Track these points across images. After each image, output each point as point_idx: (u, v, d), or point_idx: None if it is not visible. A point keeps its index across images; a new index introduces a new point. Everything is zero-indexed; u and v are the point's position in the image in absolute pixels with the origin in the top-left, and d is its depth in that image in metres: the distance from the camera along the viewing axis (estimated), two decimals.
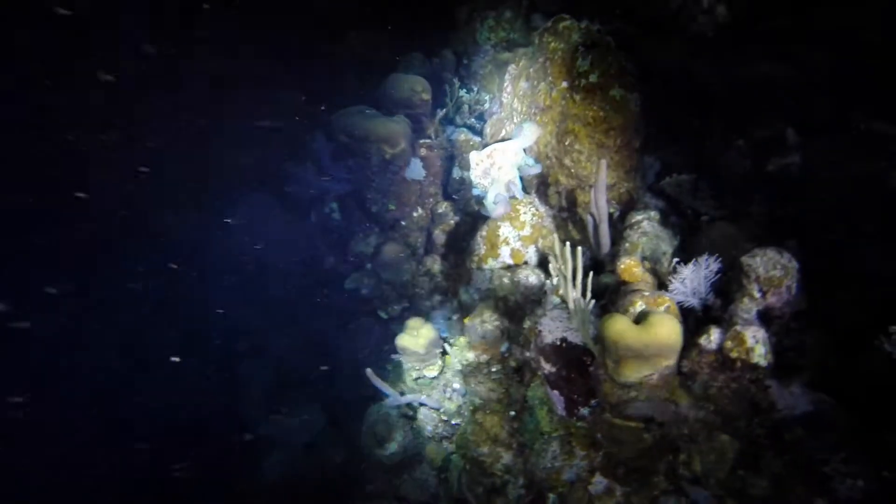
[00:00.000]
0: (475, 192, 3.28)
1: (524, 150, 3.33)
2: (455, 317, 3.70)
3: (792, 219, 2.95)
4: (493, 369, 2.68)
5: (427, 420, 3.79)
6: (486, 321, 2.62)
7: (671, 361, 1.76)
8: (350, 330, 4.40)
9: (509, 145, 3.26)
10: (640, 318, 1.74)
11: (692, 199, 3.36)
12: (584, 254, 2.80)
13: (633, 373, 1.76)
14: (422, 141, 3.86)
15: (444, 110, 4.02)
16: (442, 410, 3.61)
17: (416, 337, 3.43)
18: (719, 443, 2.06)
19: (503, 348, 2.71)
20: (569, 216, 3.36)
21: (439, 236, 4.10)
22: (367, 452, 4.24)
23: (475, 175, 3.26)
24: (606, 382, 1.85)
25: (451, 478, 3.60)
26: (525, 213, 3.34)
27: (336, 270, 4.29)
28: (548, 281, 3.00)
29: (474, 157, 3.24)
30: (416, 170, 3.64)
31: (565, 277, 2.03)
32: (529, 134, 3.29)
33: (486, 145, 4.01)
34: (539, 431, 2.44)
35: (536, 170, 3.23)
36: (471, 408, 2.75)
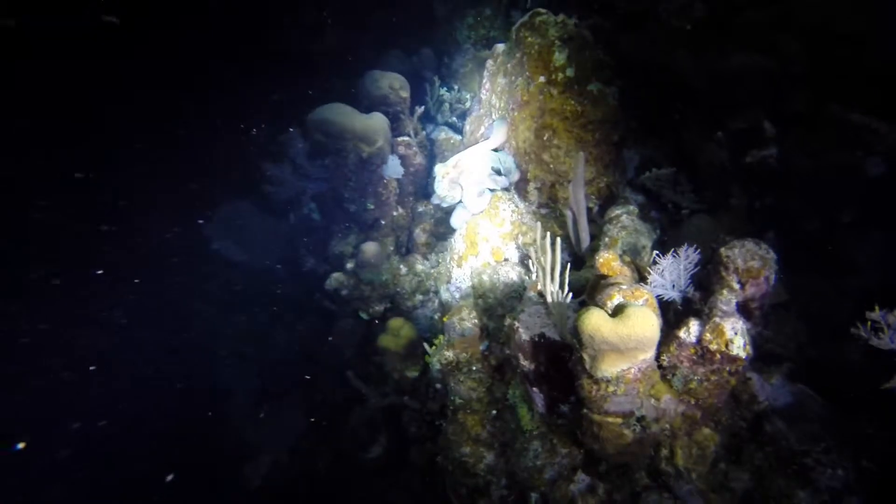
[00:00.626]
0: (435, 201, 3.21)
1: (497, 148, 3.29)
2: (437, 316, 3.65)
3: (770, 210, 2.95)
4: (474, 368, 2.63)
5: (410, 422, 3.73)
6: (465, 318, 2.57)
7: (649, 355, 1.72)
8: (332, 332, 4.33)
9: (476, 150, 3.22)
10: (617, 312, 1.71)
11: (672, 192, 3.34)
12: (563, 248, 2.78)
13: (610, 367, 1.72)
14: (400, 139, 3.81)
15: (423, 108, 3.97)
16: (426, 411, 3.56)
17: (397, 337, 3.37)
18: (701, 436, 2.04)
19: (483, 346, 2.66)
20: (549, 212, 3.32)
21: (420, 235, 4.05)
22: (352, 456, 4.18)
23: (441, 188, 3.18)
24: (585, 378, 1.81)
25: (436, 479, 3.55)
26: (504, 209, 3.30)
27: (316, 272, 4.22)
28: (527, 278, 2.96)
29: (439, 169, 3.18)
30: (394, 168, 3.58)
31: (544, 270, 1.99)
32: (499, 134, 3.25)
33: (464, 145, 3.98)
34: (520, 430, 2.40)
35: (507, 181, 3.19)
36: (451, 408, 2.70)
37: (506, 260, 3.14)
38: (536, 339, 2.15)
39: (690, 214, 3.19)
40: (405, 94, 3.96)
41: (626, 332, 1.65)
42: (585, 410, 1.91)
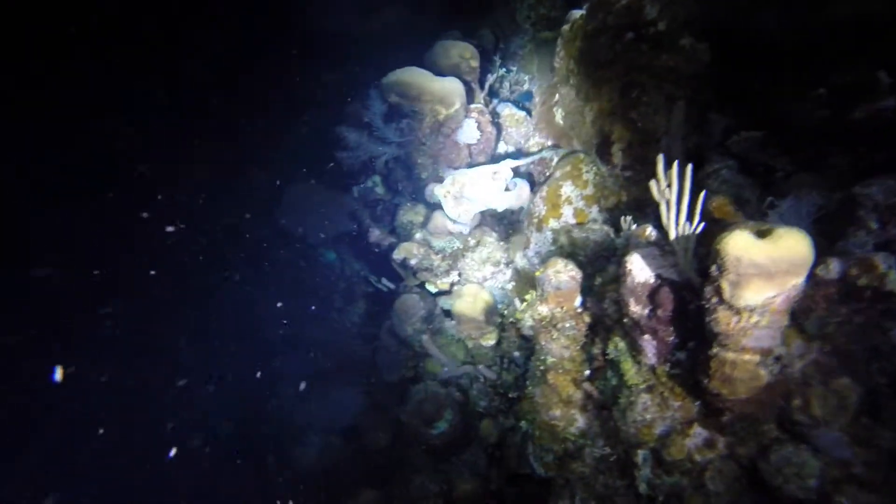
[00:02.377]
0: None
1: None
2: (510, 286, 3.54)
3: (881, 167, 2.77)
4: (567, 325, 2.51)
5: (481, 394, 3.62)
6: (561, 271, 2.45)
7: (799, 280, 1.58)
8: (394, 308, 4.26)
9: (478, 171, 3.26)
10: (763, 235, 1.57)
11: (763, 155, 3.17)
12: (652, 214, 2.66)
13: (755, 294, 1.58)
14: (473, 105, 3.73)
15: (494, 76, 3.89)
16: (499, 383, 3.44)
17: (474, 302, 3.28)
18: (838, 385, 1.87)
19: (577, 302, 2.54)
20: (633, 175, 3.19)
21: None
22: (414, 433, 4.07)
23: (448, 208, 3.36)
24: (721, 310, 1.68)
25: (509, 454, 3.42)
26: (587, 171, 3.19)
27: (380, 245, 4.17)
28: (617, 239, 2.83)
29: (439, 190, 3.31)
30: (469, 132, 3.51)
31: (668, 202, 1.87)
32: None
33: (533, 117, 3.90)
34: (624, 385, 2.26)
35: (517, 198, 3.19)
36: (541, 368, 2.58)
37: (593, 221, 3.03)
38: (652, 280, 2.02)
39: (786, 176, 3.02)
40: (475, 63, 3.89)
41: (778, 254, 1.52)
42: (716, 349, 1.77)
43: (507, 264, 3.78)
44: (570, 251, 2.78)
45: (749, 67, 3.24)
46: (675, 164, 1.85)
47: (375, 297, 5.51)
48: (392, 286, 4.87)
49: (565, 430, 2.61)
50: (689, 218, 1.83)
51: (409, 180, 3.80)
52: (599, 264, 2.76)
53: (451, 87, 3.39)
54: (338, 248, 6.23)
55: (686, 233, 1.82)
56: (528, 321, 2.56)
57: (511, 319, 3.50)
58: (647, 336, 2.10)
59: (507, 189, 3.37)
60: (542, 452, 2.74)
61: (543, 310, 2.52)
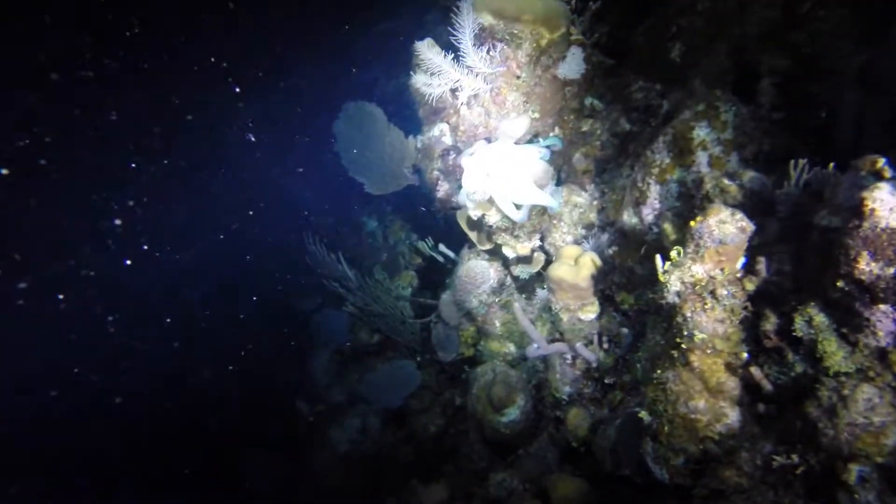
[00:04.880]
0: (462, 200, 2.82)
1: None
2: (612, 250, 2.95)
3: None
4: (724, 292, 1.92)
5: (566, 378, 3.05)
6: (727, 221, 1.86)
7: None
8: (457, 276, 3.71)
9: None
10: None
11: None
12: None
13: None
14: (574, 36, 3.12)
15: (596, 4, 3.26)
16: (595, 365, 2.87)
17: (576, 267, 2.70)
18: None
19: (740, 264, 1.95)
20: (785, 117, 2.58)
21: (580, 161, 3.36)
22: (479, 420, 3.54)
23: (470, 183, 2.78)
24: None
25: (601, 452, 2.86)
26: (726, 111, 2.57)
27: (448, 202, 3.60)
28: (783, 189, 2.22)
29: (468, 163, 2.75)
30: (573, 65, 2.90)
31: None
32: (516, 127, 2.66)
33: None
34: (824, 374, 1.68)
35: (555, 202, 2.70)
36: (683, 347, 2.00)
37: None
38: None
39: None
40: None
41: None
42: None
43: (601, 227, 3.19)
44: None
45: None
46: None
47: (427, 269, 4.99)
48: (451, 254, 4.32)
49: (709, 427, 2.03)
50: None
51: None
52: (758, 221, 2.16)
53: (557, 6, 2.79)
54: (383, 210, 5.68)
55: None
56: (673, 285, 1.98)
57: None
58: (882, 307, 1.51)
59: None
60: (670, 453, 2.17)
61: (698, 270, 1.94)
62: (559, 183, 3.39)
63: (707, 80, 2.72)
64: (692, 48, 2.94)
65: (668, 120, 2.90)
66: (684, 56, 3.01)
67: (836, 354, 1.65)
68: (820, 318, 1.70)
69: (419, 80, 2.89)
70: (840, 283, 1.60)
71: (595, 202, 3.27)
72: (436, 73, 2.82)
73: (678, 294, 2.00)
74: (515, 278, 3.54)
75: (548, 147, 2.81)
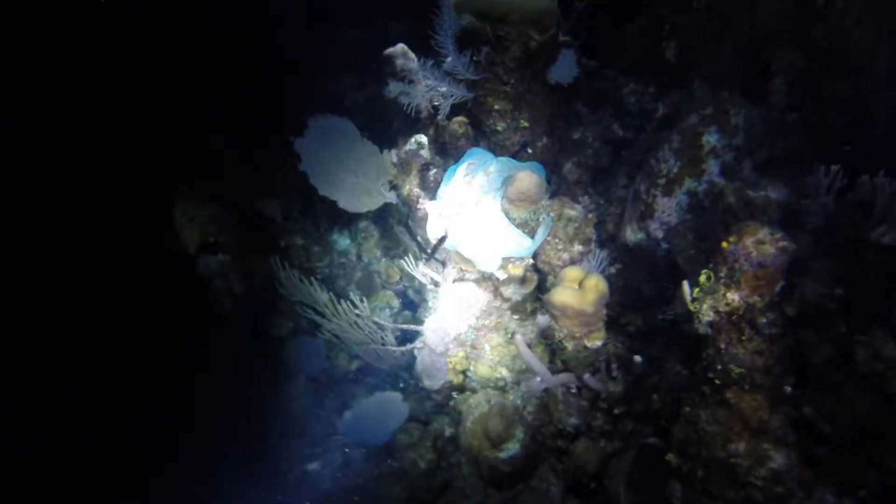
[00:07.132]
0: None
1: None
2: (614, 268, 2.73)
3: None
4: (763, 320, 1.71)
5: (570, 409, 2.81)
6: (765, 241, 1.65)
7: None
8: (446, 295, 3.42)
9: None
10: None
11: None
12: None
13: None
14: (563, 38, 2.89)
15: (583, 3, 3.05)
16: (604, 395, 2.63)
17: (581, 291, 2.46)
18: None
19: (778, 287, 1.74)
20: (799, 117, 2.40)
21: (571, 171, 3.14)
22: (475, 456, 3.25)
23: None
24: None
25: (615, 490, 2.62)
26: (736, 114, 2.39)
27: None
28: (805, 201, 2.03)
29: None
30: (566, 68, 2.67)
31: None
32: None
33: None
34: None
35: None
36: (716, 382, 1.77)
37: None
38: None
39: None
40: None
41: None
42: None
43: (600, 243, 2.97)
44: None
45: None
46: None
47: (407, 287, 4.68)
48: (434, 274, 4.03)
49: (752, 471, 1.81)
50: None
51: (479, 130, 2.95)
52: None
53: (547, 4, 2.55)
54: (356, 227, 5.35)
55: None
56: (706, 315, 1.75)
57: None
58: None
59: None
60: (706, 500, 1.94)
61: (734, 298, 1.71)
62: (551, 197, 3.16)
63: (710, 80, 2.53)
64: (689, 48, 2.76)
65: (666, 125, 2.71)
66: (680, 56, 2.83)
67: None
68: (890, 350, 1.49)
69: (394, 89, 2.60)
70: None
71: (590, 215, 3.04)
72: (412, 80, 2.54)
73: (710, 325, 1.77)
74: (507, 300, 3.28)
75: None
